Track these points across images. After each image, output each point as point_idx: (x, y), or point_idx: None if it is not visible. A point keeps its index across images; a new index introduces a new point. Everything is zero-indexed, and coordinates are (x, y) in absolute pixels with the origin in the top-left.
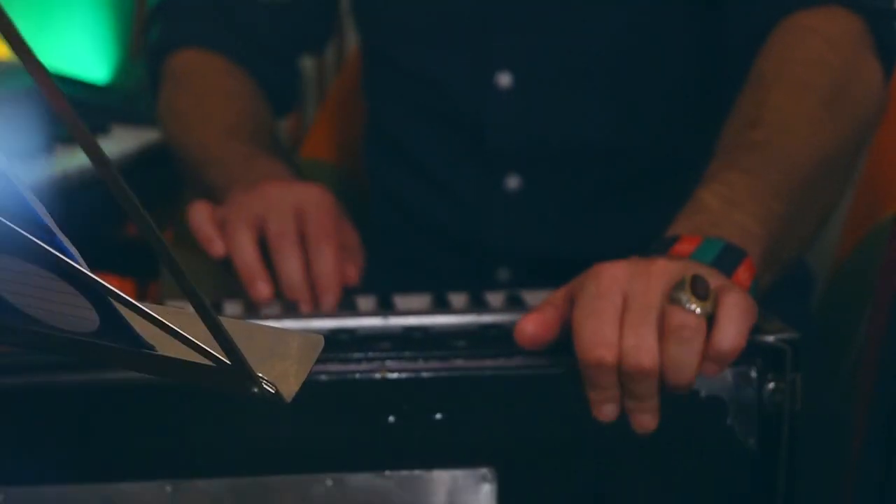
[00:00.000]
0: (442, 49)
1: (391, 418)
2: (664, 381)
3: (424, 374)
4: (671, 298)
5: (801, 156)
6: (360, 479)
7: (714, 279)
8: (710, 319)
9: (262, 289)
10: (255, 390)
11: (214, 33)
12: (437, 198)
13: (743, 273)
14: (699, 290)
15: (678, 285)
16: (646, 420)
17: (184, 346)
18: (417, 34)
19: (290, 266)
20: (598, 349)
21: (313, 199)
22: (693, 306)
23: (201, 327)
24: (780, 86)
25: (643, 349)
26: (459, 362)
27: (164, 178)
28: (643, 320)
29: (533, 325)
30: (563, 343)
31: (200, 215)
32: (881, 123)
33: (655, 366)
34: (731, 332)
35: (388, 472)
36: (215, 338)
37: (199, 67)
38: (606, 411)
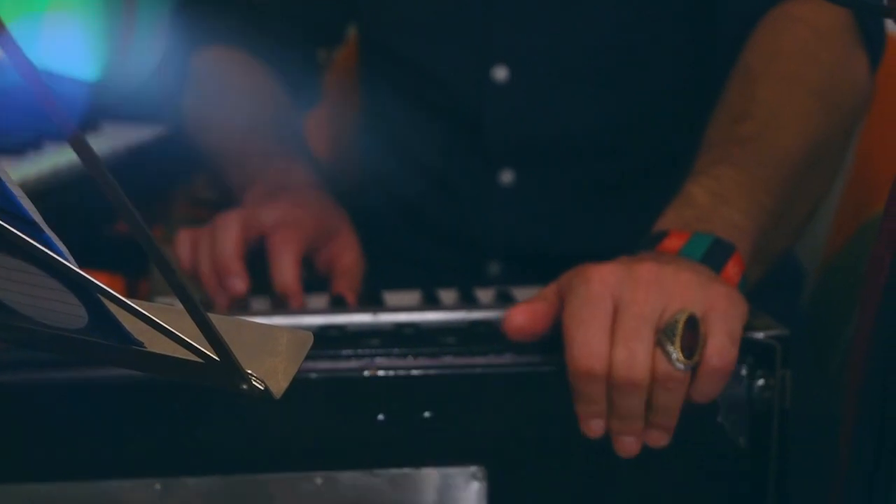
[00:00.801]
0: (440, 42)
1: (381, 416)
2: (647, 419)
3: (414, 372)
4: (659, 340)
5: (789, 149)
6: (351, 477)
7: (702, 281)
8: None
9: (221, 299)
10: (244, 387)
11: (233, 29)
12: (431, 191)
13: (732, 268)
14: (687, 347)
15: (669, 328)
16: (628, 444)
17: (173, 343)
18: (416, 26)
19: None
20: (588, 359)
21: (287, 222)
22: (680, 365)
23: (190, 324)
24: (768, 79)
25: (634, 363)
26: (449, 359)
27: (154, 176)
28: (635, 334)
29: (522, 316)
30: (553, 340)
31: (183, 248)
32: (870, 121)
33: (646, 379)
34: (708, 392)
35: (378, 470)
36: (204, 334)
37: (219, 66)
38: (594, 426)
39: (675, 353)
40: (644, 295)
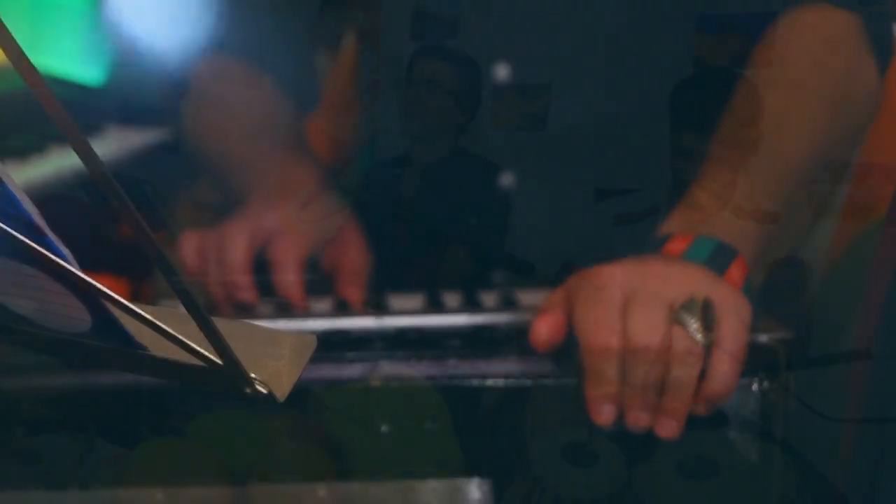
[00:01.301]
0: None
1: (384, 427)
2: (660, 402)
3: (418, 382)
4: (677, 317)
5: (795, 155)
6: (354, 488)
7: (706, 282)
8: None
9: (226, 308)
10: (248, 390)
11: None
12: (431, 191)
13: (735, 272)
14: (709, 320)
15: (688, 304)
16: (641, 419)
17: (176, 347)
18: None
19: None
20: (603, 333)
21: (292, 228)
22: (700, 336)
23: (194, 328)
24: (774, 84)
25: (651, 329)
26: (453, 362)
27: (158, 180)
28: (650, 306)
29: (546, 329)
30: (563, 346)
31: (189, 253)
32: (875, 123)
33: (664, 346)
34: (725, 377)
35: (381, 481)
36: (208, 338)
37: (219, 71)
38: (605, 413)
39: (696, 324)
40: (654, 283)
